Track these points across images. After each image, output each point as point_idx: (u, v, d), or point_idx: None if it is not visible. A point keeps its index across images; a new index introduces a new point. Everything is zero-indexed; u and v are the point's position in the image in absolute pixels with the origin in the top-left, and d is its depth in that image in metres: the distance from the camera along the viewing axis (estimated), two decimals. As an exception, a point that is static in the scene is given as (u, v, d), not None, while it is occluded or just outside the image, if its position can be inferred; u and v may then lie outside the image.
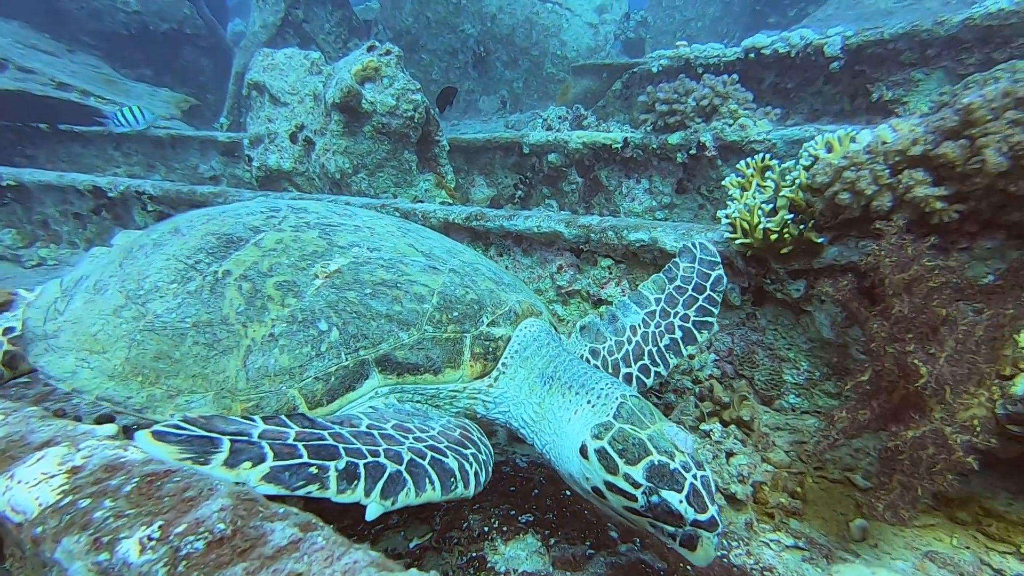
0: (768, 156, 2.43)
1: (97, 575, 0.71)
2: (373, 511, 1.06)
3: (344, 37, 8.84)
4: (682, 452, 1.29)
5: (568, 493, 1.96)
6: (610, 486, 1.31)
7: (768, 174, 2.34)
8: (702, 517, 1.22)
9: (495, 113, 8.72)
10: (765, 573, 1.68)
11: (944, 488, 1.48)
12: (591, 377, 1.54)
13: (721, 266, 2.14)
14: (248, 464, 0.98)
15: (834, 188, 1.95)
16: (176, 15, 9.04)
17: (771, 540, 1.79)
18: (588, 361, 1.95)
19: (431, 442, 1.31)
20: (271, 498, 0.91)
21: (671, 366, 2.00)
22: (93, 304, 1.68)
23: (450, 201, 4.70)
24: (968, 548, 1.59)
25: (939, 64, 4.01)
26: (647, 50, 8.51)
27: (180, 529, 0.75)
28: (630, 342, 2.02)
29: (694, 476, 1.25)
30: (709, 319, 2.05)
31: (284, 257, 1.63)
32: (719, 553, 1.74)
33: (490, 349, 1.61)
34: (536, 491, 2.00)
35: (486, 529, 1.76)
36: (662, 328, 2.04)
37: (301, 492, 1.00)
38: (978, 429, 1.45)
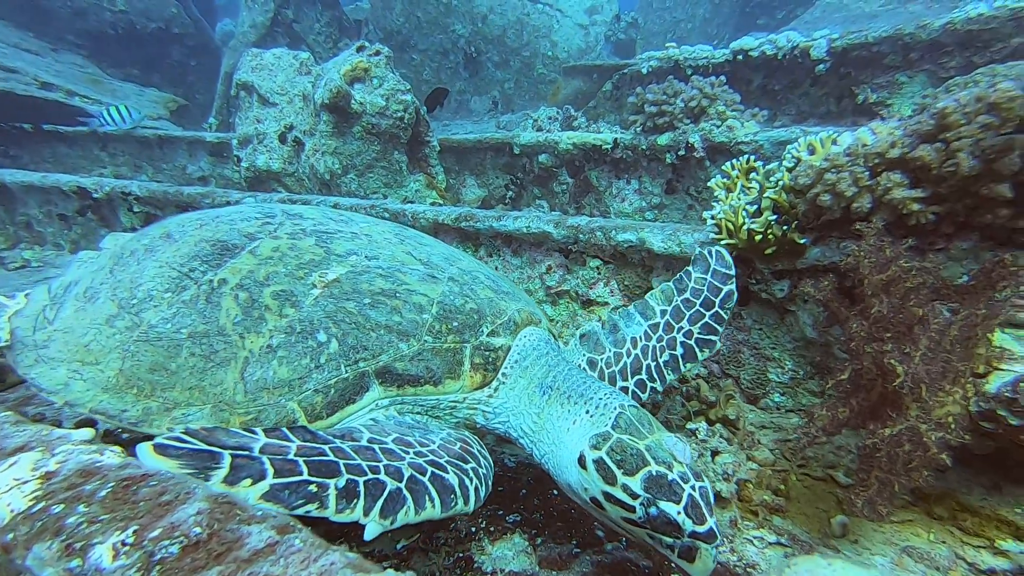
0: (753, 157, 2.46)
1: (69, 581, 0.70)
2: (372, 531, 1.06)
3: (334, 37, 8.80)
4: (680, 463, 1.29)
5: (555, 493, 1.97)
6: (608, 497, 1.30)
7: (753, 175, 2.37)
8: (700, 528, 1.21)
9: (487, 114, 8.72)
10: (748, 570, 1.70)
11: (920, 484, 1.51)
12: (590, 387, 1.53)
13: (735, 280, 2.06)
14: (248, 481, 0.98)
15: (816, 190, 1.98)
16: (163, 14, 8.94)
17: (754, 537, 1.81)
18: (585, 371, 1.93)
19: (432, 456, 1.31)
20: None
21: (668, 382, 1.97)
22: (84, 313, 1.65)
23: (440, 202, 4.70)
24: (944, 543, 1.62)
25: (922, 67, 4.07)
26: (637, 51, 8.55)
27: (155, 534, 0.75)
28: (629, 355, 1.98)
29: (692, 487, 1.25)
30: (713, 337, 1.99)
31: (281, 266, 1.60)
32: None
33: (490, 359, 1.61)
34: (524, 491, 2.00)
35: (473, 529, 1.76)
36: (663, 343, 1.99)
37: (300, 511, 1.00)
38: (952, 426, 1.49)
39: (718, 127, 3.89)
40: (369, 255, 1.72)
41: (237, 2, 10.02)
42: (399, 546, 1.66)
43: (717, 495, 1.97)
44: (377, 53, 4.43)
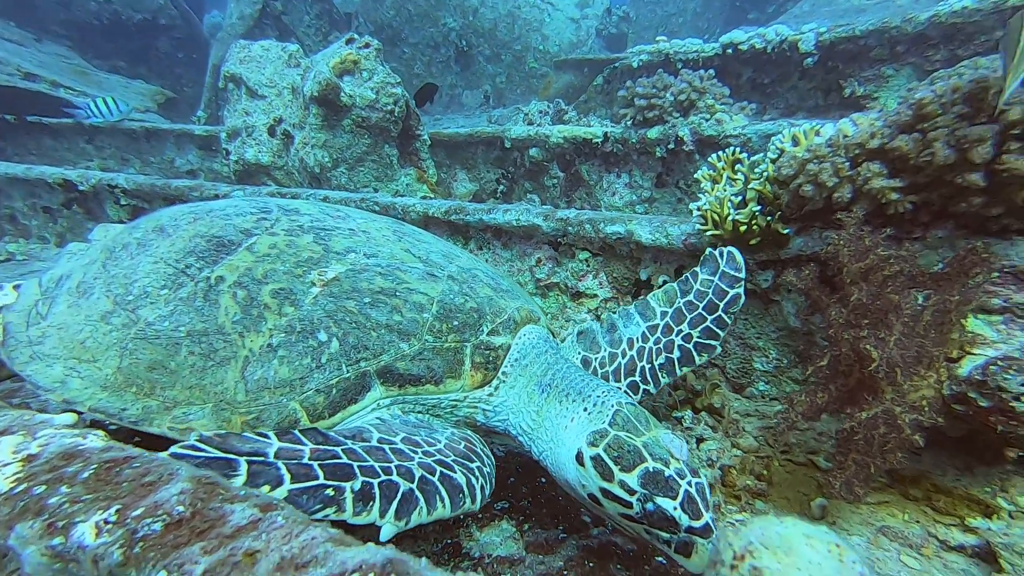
0: (739, 150, 2.48)
1: (51, 559, 0.72)
2: (387, 532, 1.09)
3: (324, 30, 8.70)
4: (677, 459, 1.31)
5: (543, 480, 2.00)
6: (606, 493, 1.33)
7: (738, 167, 2.39)
8: (696, 524, 1.23)
9: (478, 108, 8.69)
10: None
11: (895, 465, 1.55)
12: (587, 384, 1.55)
13: (743, 283, 1.99)
14: (267, 488, 1.00)
15: (798, 180, 2.01)
16: (150, 5, 8.79)
17: (736, 521, 1.86)
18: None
19: (439, 456, 1.34)
20: None
21: (661, 385, 1.95)
22: (78, 308, 1.63)
23: (431, 196, 4.69)
24: (918, 522, 1.67)
25: (908, 60, 4.12)
26: (629, 45, 8.55)
27: (138, 512, 0.77)
28: (624, 355, 1.97)
29: (688, 483, 1.27)
30: (713, 342, 1.95)
31: (279, 263, 1.60)
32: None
33: (490, 358, 1.62)
34: (512, 479, 2.03)
35: (461, 516, 1.79)
36: (661, 345, 1.95)
37: (319, 516, 1.02)
38: (926, 409, 1.53)
39: (707, 120, 3.91)
40: (368, 253, 1.71)
41: (225, -7, 9.87)
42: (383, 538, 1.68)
43: (702, 481, 2.01)
44: (367, 45, 4.40)
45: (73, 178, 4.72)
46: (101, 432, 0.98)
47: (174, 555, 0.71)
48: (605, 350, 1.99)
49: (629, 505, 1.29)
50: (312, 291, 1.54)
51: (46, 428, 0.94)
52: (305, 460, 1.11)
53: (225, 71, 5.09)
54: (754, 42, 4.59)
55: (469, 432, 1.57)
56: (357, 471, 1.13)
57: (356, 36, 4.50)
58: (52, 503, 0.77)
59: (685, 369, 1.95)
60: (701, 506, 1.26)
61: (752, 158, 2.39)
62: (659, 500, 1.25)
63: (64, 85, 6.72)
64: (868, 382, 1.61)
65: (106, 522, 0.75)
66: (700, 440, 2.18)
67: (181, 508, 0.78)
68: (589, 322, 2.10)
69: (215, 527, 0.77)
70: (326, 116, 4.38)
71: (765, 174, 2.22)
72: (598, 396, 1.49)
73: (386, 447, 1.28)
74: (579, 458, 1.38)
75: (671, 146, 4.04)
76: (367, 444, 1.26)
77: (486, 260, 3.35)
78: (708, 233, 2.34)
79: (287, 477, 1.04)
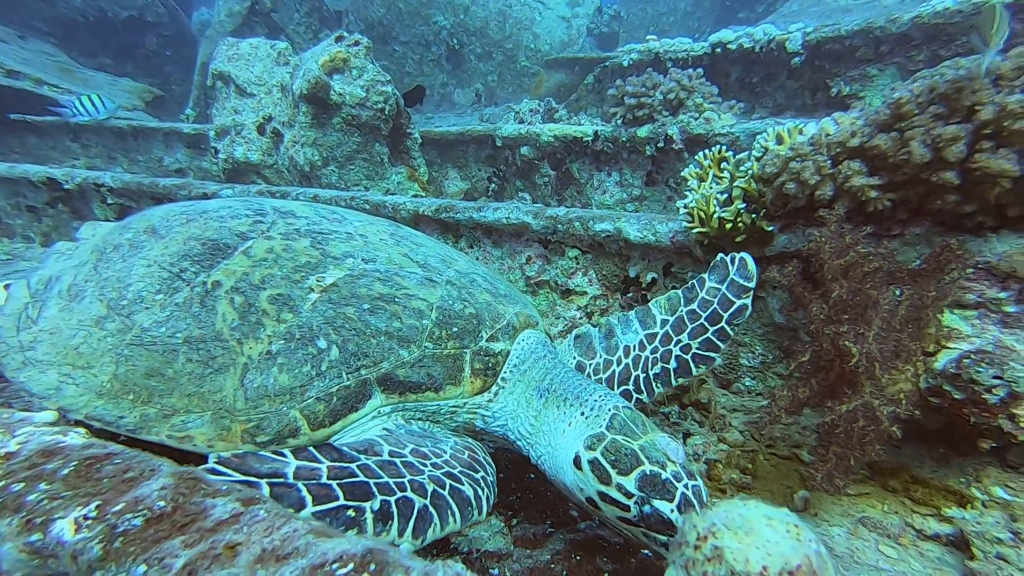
0: (725, 148, 2.51)
1: (29, 555, 0.72)
2: (405, 550, 1.10)
3: (314, 28, 8.64)
4: (674, 462, 1.32)
5: (532, 476, 2.02)
6: (603, 496, 1.34)
7: (724, 165, 2.42)
8: None
9: (470, 106, 8.68)
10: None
11: (874, 457, 1.59)
12: (585, 389, 1.56)
13: (751, 293, 1.86)
14: (290, 511, 1.01)
15: (782, 178, 2.04)
16: (136, 2, 8.67)
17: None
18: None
19: (447, 468, 1.35)
20: None
21: (656, 394, 1.91)
22: (71, 312, 1.60)
23: (423, 194, 4.69)
24: (896, 513, 1.71)
25: (892, 60, 4.18)
26: (620, 44, 8.59)
27: (118, 508, 0.77)
28: (619, 363, 1.92)
29: (685, 486, 1.28)
30: (712, 354, 1.88)
31: (276, 268, 1.58)
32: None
33: (490, 364, 1.61)
34: (501, 475, 2.04)
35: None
36: (658, 355, 1.90)
37: None
38: (903, 401, 1.56)
39: (696, 119, 3.95)
40: (366, 257, 1.70)
41: (213, -10, 9.76)
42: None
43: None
44: (356, 43, 4.39)
45: (58, 176, 4.66)
46: (82, 430, 0.98)
47: (154, 549, 0.71)
48: (601, 356, 1.96)
49: (627, 508, 1.30)
50: (311, 297, 1.52)
51: (26, 426, 0.94)
52: (324, 480, 1.12)
53: (213, 69, 5.05)
54: (742, 41, 4.63)
55: (471, 440, 1.58)
56: (374, 489, 1.15)
57: (346, 34, 4.48)
58: (31, 500, 0.77)
59: (681, 380, 1.90)
60: (698, 509, 1.26)
61: (737, 156, 2.42)
62: (656, 503, 1.26)
63: (49, 83, 6.61)
64: (848, 376, 1.65)
65: (86, 518, 0.75)
66: (687, 435, 2.21)
67: (162, 503, 0.79)
68: (587, 326, 2.06)
69: (196, 521, 0.77)
70: (316, 114, 4.36)
71: (750, 172, 2.25)
72: (595, 400, 1.50)
73: (397, 460, 1.29)
74: (577, 462, 1.39)
75: (660, 144, 4.07)
76: (379, 459, 1.27)
77: (476, 258, 3.35)
78: (695, 230, 2.37)
79: (309, 499, 1.05)
